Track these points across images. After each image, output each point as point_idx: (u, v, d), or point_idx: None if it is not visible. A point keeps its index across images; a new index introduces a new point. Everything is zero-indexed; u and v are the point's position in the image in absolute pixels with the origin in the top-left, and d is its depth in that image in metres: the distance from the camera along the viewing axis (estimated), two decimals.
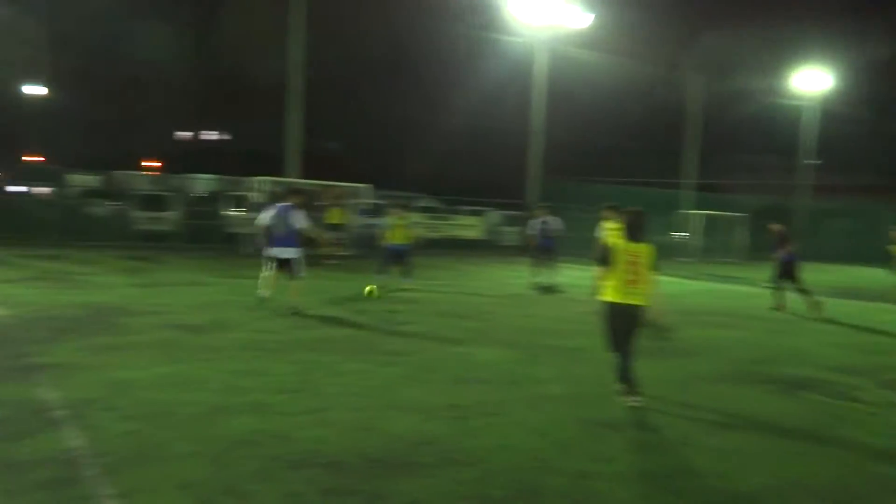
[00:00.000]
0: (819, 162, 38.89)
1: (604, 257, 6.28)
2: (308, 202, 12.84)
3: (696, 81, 33.39)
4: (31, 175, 37.36)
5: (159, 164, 54.97)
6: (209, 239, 23.93)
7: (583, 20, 28.86)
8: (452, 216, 29.73)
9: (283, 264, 10.46)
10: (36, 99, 50.14)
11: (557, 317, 11.65)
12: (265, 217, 10.57)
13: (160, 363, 6.91)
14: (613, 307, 6.25)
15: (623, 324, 6.23)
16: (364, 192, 23.97)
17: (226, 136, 76.84)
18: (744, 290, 18.58)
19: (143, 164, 52.60)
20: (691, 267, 26.09)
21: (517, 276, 18.58)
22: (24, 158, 48.01)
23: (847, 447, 5.56)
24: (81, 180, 33.49)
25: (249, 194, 22.75)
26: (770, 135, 39.50)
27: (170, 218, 24.39)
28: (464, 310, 11.84)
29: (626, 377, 6.32)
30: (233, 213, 24.65)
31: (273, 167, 27.33)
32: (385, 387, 6.50)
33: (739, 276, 22.72)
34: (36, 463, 4.29)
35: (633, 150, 39.27)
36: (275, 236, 10.36)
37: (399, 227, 14.12)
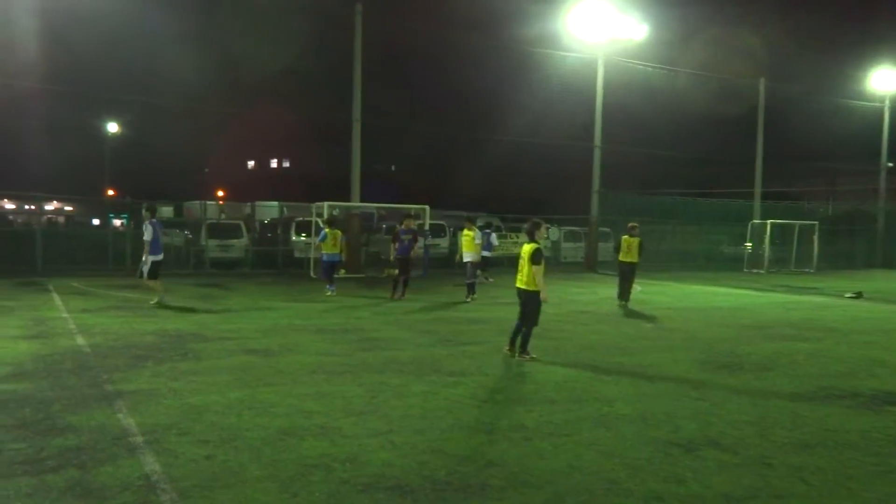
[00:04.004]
0: (891, 164, 37.27)
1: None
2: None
3: (764, 87, 32.48)
4: (105, 208, 38.86)
5: (225, 192, 56.82)
6: (278, 264, 24.48)
7: (638, 31, 28.59)
8: (512, 234, 29.60)
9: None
10: (109, 135, 52.38)
11: (624, 333, 11.46)
12: None
13: (232, 388, 7.07)
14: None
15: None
16: (421, 213, 24.07)
17: (286, 164, 78.95)
18: (818, 300, 17.95)
19: (214, 193, 54.38)
20: (762, 278, 25.34)
21: (581, 293, 18.38)
22: (101, 192, 50.16)
23: None
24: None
25: (314, 219, 23.13)
26: (845, 138, 38.06)
27: (239, 245, 24.98)
28: None
29: (513, 340, 8.89)
30: (300, 238, 25.10)
31: (332, 192, 27.84)
32: (450, 408, 6.49)
33: (813, 286, 21.95)
34: (114, 488, 4.43)
35: (704, 161, 38.37)
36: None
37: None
